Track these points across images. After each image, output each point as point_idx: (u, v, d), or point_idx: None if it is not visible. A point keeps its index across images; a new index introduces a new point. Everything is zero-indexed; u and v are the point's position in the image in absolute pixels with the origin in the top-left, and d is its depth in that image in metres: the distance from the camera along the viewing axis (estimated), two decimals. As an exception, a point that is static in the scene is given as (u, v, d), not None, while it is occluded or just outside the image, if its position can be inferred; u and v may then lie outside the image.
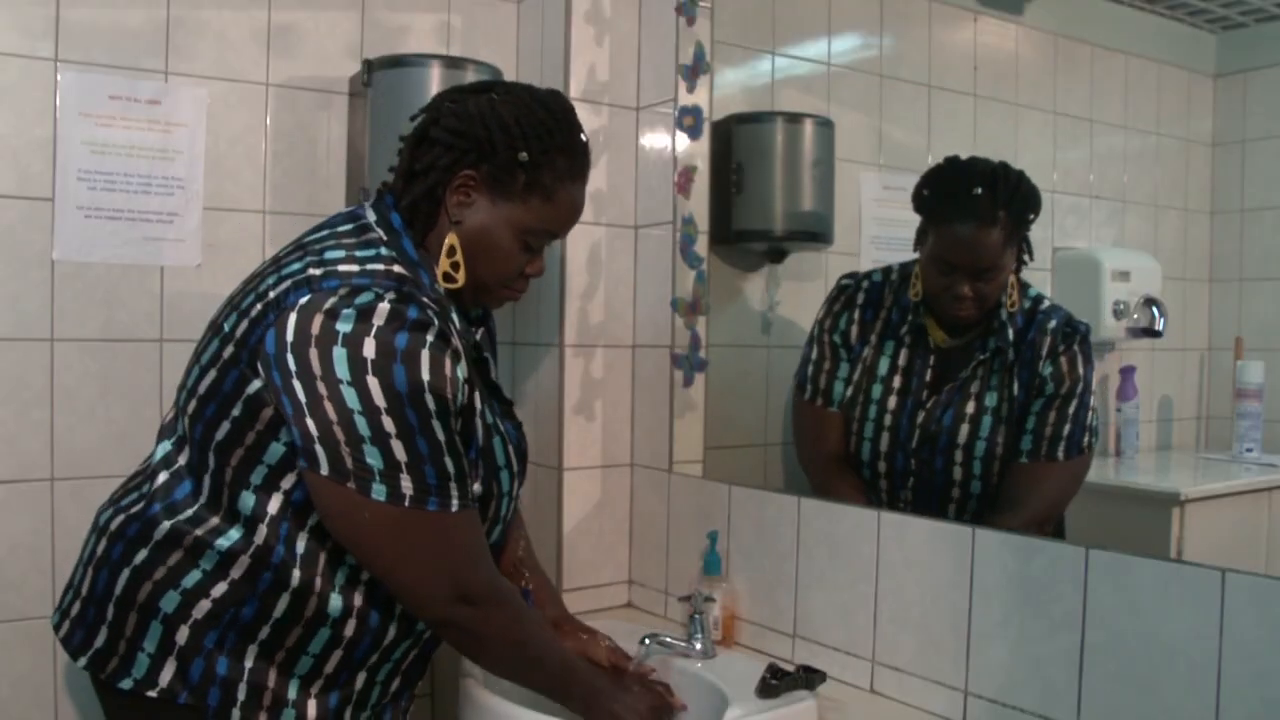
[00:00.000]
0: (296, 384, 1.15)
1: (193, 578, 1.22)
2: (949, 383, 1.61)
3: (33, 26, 1.65)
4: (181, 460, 1.27)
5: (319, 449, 1.15)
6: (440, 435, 1.18)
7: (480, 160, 1.28)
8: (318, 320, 1.15)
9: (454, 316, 1.27)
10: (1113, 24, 1.71)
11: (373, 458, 1.14)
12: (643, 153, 1.96)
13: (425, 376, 1.16)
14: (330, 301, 1.16)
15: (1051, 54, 1.80)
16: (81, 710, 1.72)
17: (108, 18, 1.71)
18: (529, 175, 1.29)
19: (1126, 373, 1.66)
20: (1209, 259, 1.64)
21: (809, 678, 1.42)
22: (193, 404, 1.26)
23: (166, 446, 1.30)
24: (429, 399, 1.16)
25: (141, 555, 1.24)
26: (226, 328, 1.24)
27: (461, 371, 1.21)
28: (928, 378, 1.64)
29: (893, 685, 1.47)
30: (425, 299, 1.20)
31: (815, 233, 1.94)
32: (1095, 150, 1.75)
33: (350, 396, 1.14)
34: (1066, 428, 1.52)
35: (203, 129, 1.79)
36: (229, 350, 1.23)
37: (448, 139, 1.29)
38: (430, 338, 1.17)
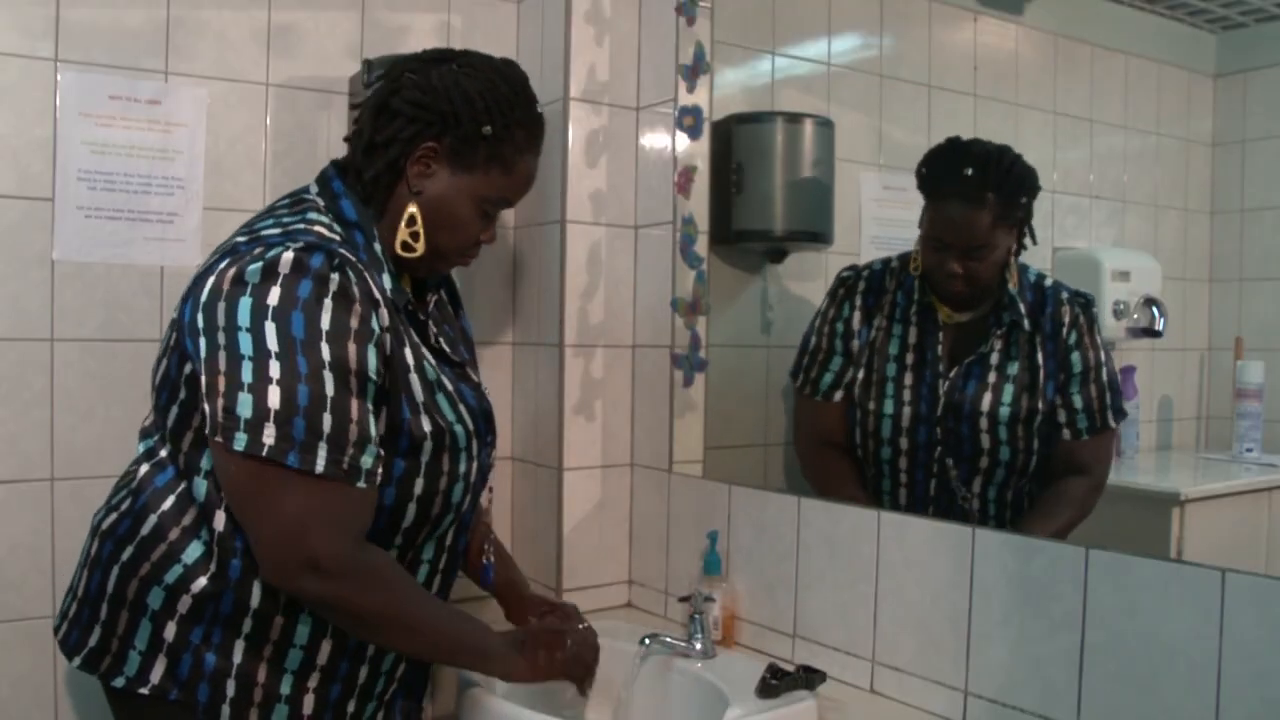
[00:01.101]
0: (202, 340, 1.16)
1: (174, 573, 1.22)
2: (967, 356, 1.63)
3: (33, 26, 1.65)
4: (163, 453, 1.28)
5: (205, 404, 1.14)
6: (327, 388, 1.13)
7: (443, 132, 1.29)
8: (229, 277, 1.16)
9: (384, 276, 1.26)
10: (1113, 24, 1.71)
11: (243, 407, 1.11)
12: (643, 153, 1.95)
13: (324, 326, 1.14)
14: (243, 261, 1.16)
15: (1051, 54, 1.80)
16: (81, 710, 1.72)
17: (108, 18, 1.71)
18: (491, 148, 1.30)
19: (1126, 373, 1.66)
20: (1209, 259, 1.64)
21: (809, 678, 1.42)
22: (153, 396, 1.28)
23: (148, 442, 1.31)
24: (324, 347, 1.14)
25: (128, 552, 1.24)
26: (175, 315, 1.26)
27: (377, 322, 1.19)
28: (940, 352, 1.67)
29: (893, 685, 1.47)
30: (343, 251, 1.19)
31: (815, 233, 1.94)
32: (1095, 150, 1.75)
33: (244, 342, 1.12)
34: (1108, 396, 1.56)
35: (203, 129, 1.79)
36: (173, 336, 1.24)
37: (411, 111, 1.29)
38: (333, 287, 1.15)
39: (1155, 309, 1.63)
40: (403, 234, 1.30)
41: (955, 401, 1.63)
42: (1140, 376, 1.66)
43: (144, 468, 1.28)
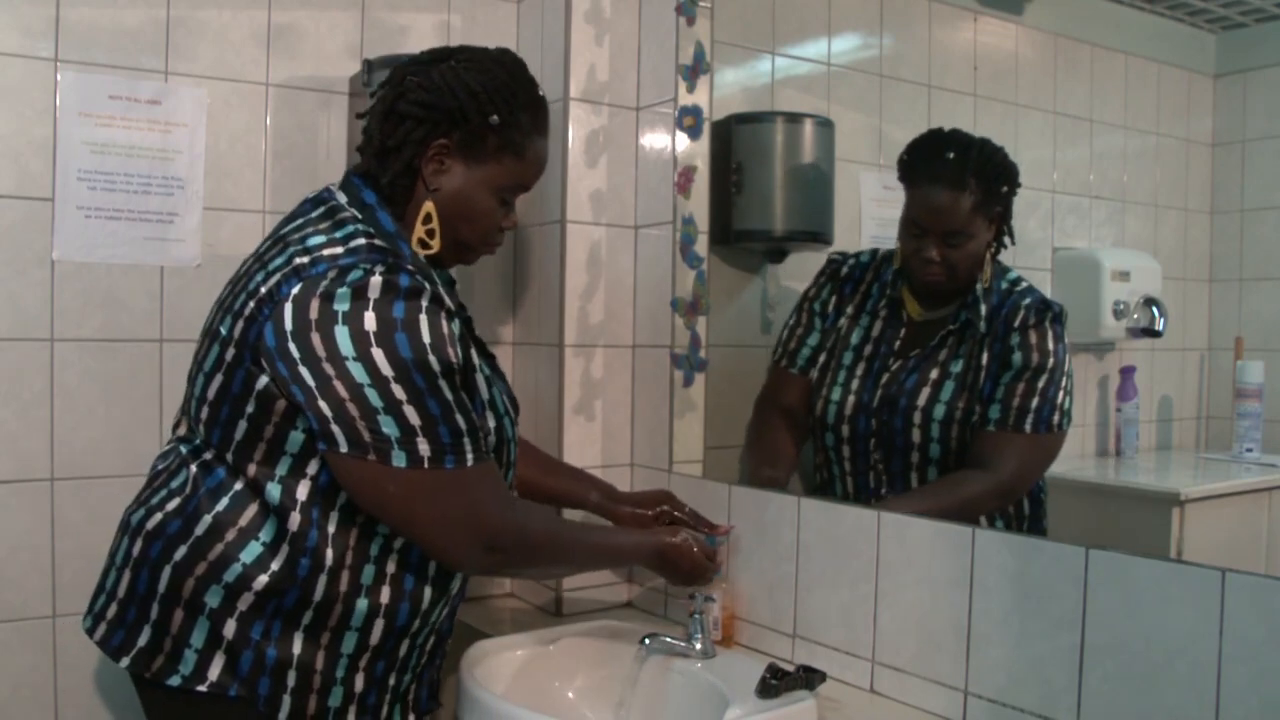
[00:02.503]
0: (303, 370, 1.18)
1: (234, 571, 1.23)
2: (917, 350, 1.65)
3: (33, 26, 1.66)
4: (208, 456, 1.28)
5: (335, 428, 1.18)
6: (448, 395, 1.22)
7: (452, 128, 1.32)
8: (314, 305, 1.18)
9: (436, 278, 1.31)
10: (1113, 24, 1.71)
11: (388, 427, 1.18)
12: (643, 153, 1.95)
13: (426, 340, 1.20)
14: (323, 285, 1.19)
15: (1051, 54, 1.80)
16: (81, 710, 1.72)
17: (108, 18, 1.71)
18: (500, 137, 1.34)
19: (1126, 373, 1.66)
20: (1209, 259, 1.64)
21: (809, 678, 1.42)
22: (205, 410, 1.28)
23: (191, 445, 1.31)
24: (433, 361, 1.20)
25: (181, 551, 1.25)
26: (223, 331, 1.26)
27: (457, 328, 1.26)
28: (896, 346, 1.68)
29: (893, 685, 1.47)
30: (410, 267, 1.24)
31: (815, 233, 1.94)
32: (1095, 150, 1.75)
33: (358, 371, 1.17)
34: (1035, 401, 1.53)
35: (203, 129, 1.79)
36: (230, 352, 1.24)
37: (418, 112, 1.32)
38: (425, 302, 1.21)
39: (1155, 309, 1.63)
40: (419, 232, 1.34)
41: (891, 395, 1.64)
42: (1140, 376, 1.66)
43: (192, 469, 1.29)
